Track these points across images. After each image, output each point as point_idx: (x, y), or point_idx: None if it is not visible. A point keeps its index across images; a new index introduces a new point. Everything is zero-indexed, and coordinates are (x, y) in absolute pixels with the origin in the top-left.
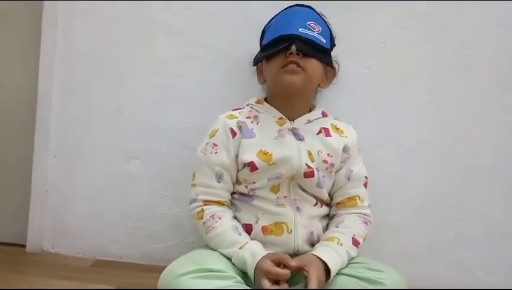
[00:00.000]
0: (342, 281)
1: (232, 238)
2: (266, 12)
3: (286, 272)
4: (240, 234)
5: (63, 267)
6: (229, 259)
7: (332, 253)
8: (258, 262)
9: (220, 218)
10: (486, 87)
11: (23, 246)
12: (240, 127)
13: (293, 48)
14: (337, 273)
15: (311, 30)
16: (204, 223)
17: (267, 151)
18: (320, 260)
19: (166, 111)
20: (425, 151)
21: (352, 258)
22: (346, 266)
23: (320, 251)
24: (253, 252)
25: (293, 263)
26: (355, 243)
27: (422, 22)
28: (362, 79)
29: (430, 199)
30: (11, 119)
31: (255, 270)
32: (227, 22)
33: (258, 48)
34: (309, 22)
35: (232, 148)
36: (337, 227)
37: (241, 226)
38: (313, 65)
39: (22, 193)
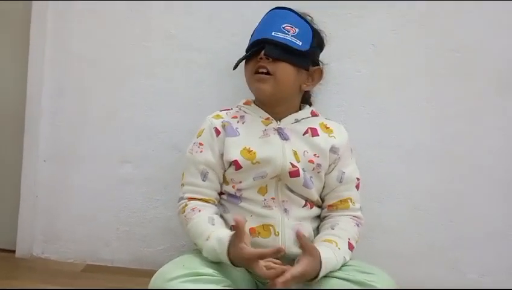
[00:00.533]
0: (333, 284)
1: (203, 228)
2: (260, 16)
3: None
4: (213, 225)
5: (53, 273)
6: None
7: (330, 254)
8: (228, 250)
9: (199, 211)
10: (482, 89)
11: (13, 251)
12: (224, 126)
13: (262, 53)
14: (328, 276)
15: (285, 33)
16: (185, 215)
17: (251, 150)
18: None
19: (159, 114)
20: (417, 153)
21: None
22: (339, 269)
23: (323, 250)
24: (219, 239)
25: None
26: (351, 247)
27: (414, 25)
28: (353, 81)
29: (423, 200)
30: (1, 122)
31: (228, 255)
32: (221, 26)
33: None
34: (284, 25)
35: (217, 147)
36: (333, 229)
37: (220, 220)
38: (283, 69)
39: (12, 197)
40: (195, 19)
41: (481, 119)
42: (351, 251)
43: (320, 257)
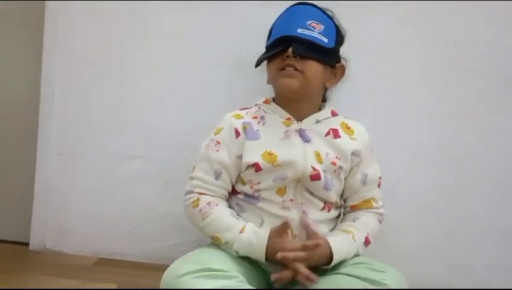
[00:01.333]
0: (343, 281)
1: (231, 222)
2: (264, 14)
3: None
4: (238, 219)
5: (65, 266)
6: (230, 256)
7: (343, 243)
8: (267, 246)
9: (216, 205)
10: (484, 88)
11: (27, 244)
12: (244, 129)
13: (289, 50)
14: (339, 273)
15: (311, 30)
16: (200, 210)
17: (272, 153)
18: (328, 244)
19: (165, 112)
20: (424, 152)
21: (355, 257)
22: (349, 265)
23: (332, 238)
24: (256, 232)
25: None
26: (367, 242)
27: (416, 23)
28: (362, 80)
29: (429, 199)
30: (15, 120)
31: (266, 251)
32: (226, 24)
33: (256, 50)
34: (309, 22)
35: (234, 149)
36: (354, 221)
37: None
38: (311, 67)
39: (25, 191)
40: (199, 18)
41: (482, 119)
42: (366, 246)
43: (329, 246)
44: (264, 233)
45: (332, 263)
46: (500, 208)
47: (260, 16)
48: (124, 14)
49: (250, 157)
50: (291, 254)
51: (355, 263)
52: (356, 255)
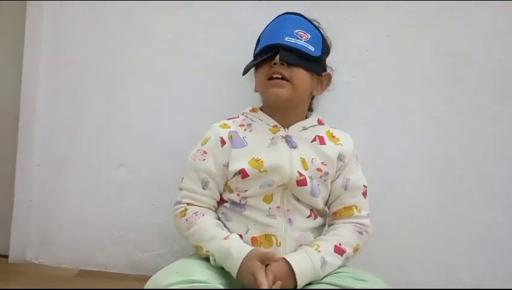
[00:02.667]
0: None
1: (214, 232)
2: (258, 21)
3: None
4: (223, 229)
5: (46, 278)
6: (213, 268)
7: (302, 256)
8: (244, 258)
9: (202, 215)
10: (477, 95)
11: (6, 256)
12: (230, 137)
13: (277, 58)
14: (318, 282)
15: (298, 38)
16: (186, 219)
17: (258, 159)
18: (286, 262)
19: (156, 119)
20: (413, 159)
21: (339, 267)
22: (330, 275)
23: (291, 254)
24: (240, 246)
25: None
26: (339, 250)
27: (409, 31)
28: (349, 87)
29: (418, 206)
30: None
31: (240, 264)
32: (219, 31)
33: (249, 57)
34: (297, 30)
35: (221, 158)
36: (325, 234)
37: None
38: (299, 75)
39: (5, 202)
40: (193, 24)
41: (476, 125)
42: (341, 255)
43: (284, 260)
44: (246, 248)
45: (297, 276)
46: (494, 215)
47: (253, 23)
48: (117, 17)
49: (237, 165)
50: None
51: (338, 272)
52: (341, 266)
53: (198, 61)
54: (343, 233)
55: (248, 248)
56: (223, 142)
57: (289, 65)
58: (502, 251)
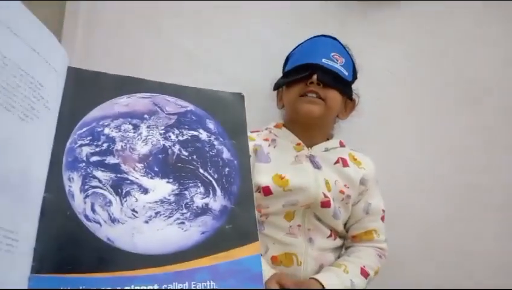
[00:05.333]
0: None
1: None
2: (282, 43)
3: None
4: None
5: None
6: None
7: (332, 277)
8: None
9: None
10: (496, 124)
11: None
12: (255, 151)
13: (314, 77)
14: None
15: (334, 61)
16: None
17: (283, 177)
18: (318, 281)
19: None
20: (430, 182)
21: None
22: None
23: (321, 274)
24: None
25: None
26: (364, 273)
27: (428, 54)
28: (370, 108)
29: (432, 230)
30: None
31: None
32: (242, 49)
33: (272, 76)
34: (333, 54)
35: None
36: (349, 256)
37: None
38: (333, 96)
39: None
40: (218, 42)
41: (494, 154)
42: (365, 278)
43: (316, 280)
44: (267, 272)
45: None
46: (508, 245)
47: (275, 43)
48: (146, 32)
49: (261, 179)
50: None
51: None
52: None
53: (221, 78)
54: (365, 256)
55: (270, 272)
56: None
57: (324, 86)
58: None
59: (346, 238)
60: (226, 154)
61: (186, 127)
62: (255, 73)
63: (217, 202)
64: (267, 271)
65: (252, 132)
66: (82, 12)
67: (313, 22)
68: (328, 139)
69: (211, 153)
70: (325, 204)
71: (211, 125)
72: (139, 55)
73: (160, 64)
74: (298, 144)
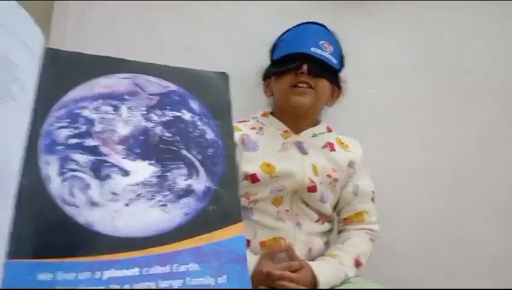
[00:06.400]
0: None
1: None
2: (274, 31)
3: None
4: None
5: None
6: None
7: (327, 269)
8: (253, 272)
9: None
10: (492, 116)
11: None
12: (243, 140)
13: (305, 67)
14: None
15: (323, 50)
16: None
17: (270, 164)
18: (310, 269)
19: None
20: (425, 176)
21: (349, 278)
22: (340, 285)
23: (316, 263)
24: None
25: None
26: (358, 264)
27: (425, 47)
28: (365, 101)
29: (427, 223)
30: None
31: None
32: (234, 39)
33: (264, 65)
34: (322, 42)
35: None
36: (342, 244)
37: None
38: (323, 85)
39: None
40: (210, 32)
41: (490, 145)
42: (358, 268)
43: (311, 269)
44: (252, 258)
45: (320, 286)
46: (503, 235)
47: (268, 33)
48: (135, 25)
49: (249, 167)
50: (277, 271)
51: (346, 282)
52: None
53: (216, 69)
54: (359, 244)
55: (254, 260)
56: None
57: (315, 75)
58: None
59: (338, 222)
60: (209, 135)
61: (169, 107)
62: (248, 63)
63: (200, 183)
64: (251, 260)
65: (238, 122)
66: (72, 8)
67: (307, 14)
68: (315, 125)
69: (194, 133)
70: (312, 189)
71: (194, 105)
72: (131, 49)
73: (153, 58)
74: (285, 131)
